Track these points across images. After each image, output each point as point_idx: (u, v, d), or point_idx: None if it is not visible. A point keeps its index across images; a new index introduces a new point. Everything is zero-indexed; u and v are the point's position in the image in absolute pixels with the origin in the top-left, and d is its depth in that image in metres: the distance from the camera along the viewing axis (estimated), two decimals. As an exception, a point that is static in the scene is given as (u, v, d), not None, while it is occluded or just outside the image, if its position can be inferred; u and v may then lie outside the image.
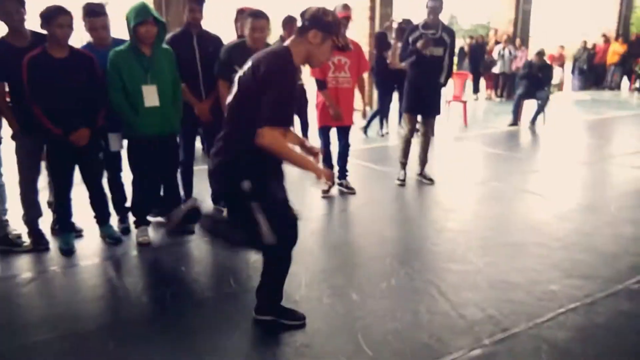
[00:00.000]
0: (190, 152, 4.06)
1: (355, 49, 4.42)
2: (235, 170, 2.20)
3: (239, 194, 2.18)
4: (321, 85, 4.38)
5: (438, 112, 4.95)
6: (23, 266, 3.21)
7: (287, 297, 2.78)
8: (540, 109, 8.36)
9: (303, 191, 4.59)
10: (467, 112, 8.80)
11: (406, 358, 2.28)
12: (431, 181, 5.01)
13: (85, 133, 3.18)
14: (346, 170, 4.73)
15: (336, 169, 4.69)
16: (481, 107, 11.46)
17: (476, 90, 12.65)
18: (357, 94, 4.65)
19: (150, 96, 3.35)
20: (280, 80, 2.11)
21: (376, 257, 3.33)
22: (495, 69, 12.14)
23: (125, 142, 3.55)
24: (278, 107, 2.10)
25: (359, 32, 10.24)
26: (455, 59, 12.65)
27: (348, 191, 4.64)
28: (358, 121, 6.77)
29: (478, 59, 12.17)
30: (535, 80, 8.37)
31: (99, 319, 2.66)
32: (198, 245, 3.57)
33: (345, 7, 4.85)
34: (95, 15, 3.40)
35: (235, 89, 2.23)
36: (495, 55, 12.09)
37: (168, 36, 3.66)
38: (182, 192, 3.94)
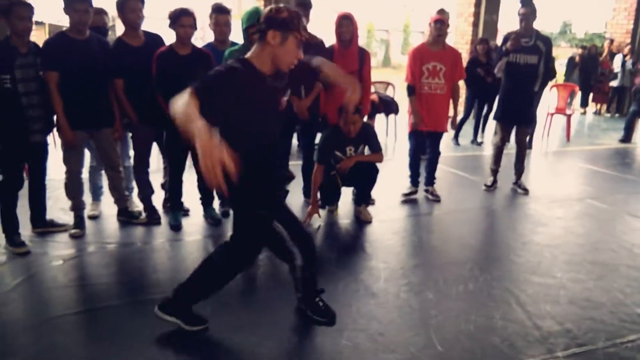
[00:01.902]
0: (288, 147, 4.35)
1: (452, 55, 4.46)
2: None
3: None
4: (410, 90, 4.48)
5: (531, 122, 4.86)
6: (138, 236, 3.69)
7: (366, 289, 2.98)
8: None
9: (388, 192, 4.74)
10: (572, 126, 8.39)
11: (475, 358, 2.36)
12: (526, 191, 4.93)
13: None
14: (434, 178, 4.76)
15: (423, 175, 4.76)
16: (588, 122, 10.82)
17: (584, 103, 11.93)
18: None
19: (257, 93, 3.68)
20: (214, 71, 2.06)
21: (456, 261, 3.40)
22: (614, 82, 11.30)
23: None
24: (204, 83, 2.01)
25: (462, 38, 10.14)
26: (564, 70, 12.04)
27: (433, 198, 4.68)
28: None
29: (589, 70, 11.45)
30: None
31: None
32: (288, 233, 3.85)
33: (441, 11, 4.91)
34: (220, 12, 3.79)
35: None
36: (616, 66, 11.25)
37: (277, 39, 3.98)
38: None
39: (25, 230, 3.50)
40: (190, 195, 4.04)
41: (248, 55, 2.14)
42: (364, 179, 4.08)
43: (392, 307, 2.79)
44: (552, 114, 8.13)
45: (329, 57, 4.10)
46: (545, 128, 7.92)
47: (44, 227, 3.61)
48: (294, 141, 4.46)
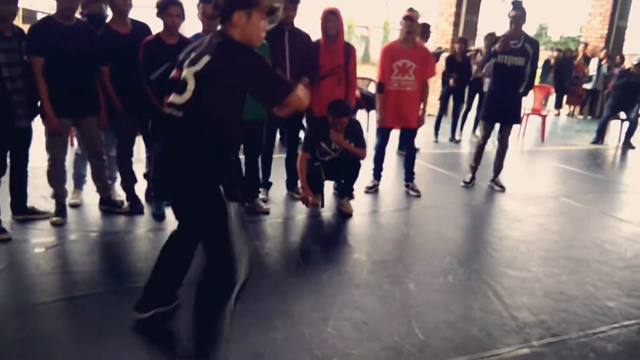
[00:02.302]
0: (272, 140, 4.38)
1: (423, 52, 4.55)
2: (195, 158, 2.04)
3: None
4: (379, 87, 4.55)
5: (516, 121, 4.99)
6: (121, 224, 3.68)
7: (351, 280, 3.05)
8: (633, 127, 8.06)
9: (364, 186, 4.81)
10: (546, 127, 8.63)
11: (455, 346, 2.44)
12: (503, 189, 5.07)
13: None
14: (413, 173, 4.86)
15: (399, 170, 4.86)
16: (562, 123, 11.12)
17: (558, 105, 12.25)
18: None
19: (243, 85, 3.69)
20: (263, 62, 2.02)
21: (436, 255, 3.49)
22: (587, 85, 11.62)
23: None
24: (279, 80, 2.06)
25: (442, 37, 10.29)
26: (540, 72, 12.33)
27: (414, 193, 4.77)
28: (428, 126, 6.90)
29: (564, 73, 11.77)
30: (630, 92, 8.05)
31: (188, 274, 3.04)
32: (272, 223, 3.89)
33: (410, 9, 5.00)
34: (208, 2, 3.77)
35: (193, 82, 1.99)
36: (591, 70, 11.56)
37: (264, 31, 4.00)
38: (260, 176, 4.27)
39: (6, 217, 3.45)
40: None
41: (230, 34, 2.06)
42: (346, 172, 4.15)
43: (375, 297, 2.87)
44: (527, 115, 8.34)
45: (314, 52, 4.17)
46: (521, 128, 8.12)
47: (25, 214, 3.56)
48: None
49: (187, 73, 2.01)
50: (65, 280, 2.90)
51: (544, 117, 8.54)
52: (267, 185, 4.41)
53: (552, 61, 12.16)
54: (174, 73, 2.12)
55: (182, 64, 2.07)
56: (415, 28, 4.50)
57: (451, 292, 2.99)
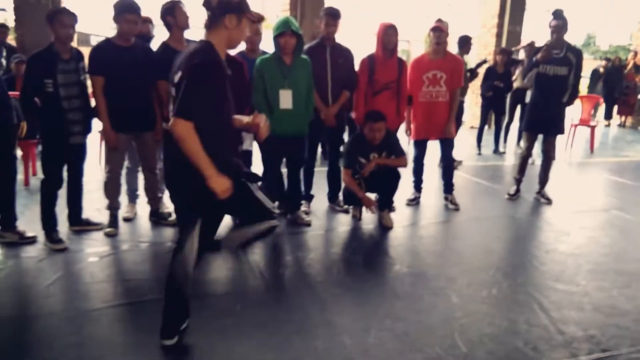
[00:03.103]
0: (314, 153, 4.45)
1: (452, 63, 4.53)
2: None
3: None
4: (409, 100, 4.54)
5: (559, 132, 4.87)
6: (169, 236, 3.81)
7: (392, 291, 3.05)
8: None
9: (405, 198, 4.80)
10: (596, 138, 8.36)
11: (500, 359, 2.40)
12: (549, 201, 4.95)
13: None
14: (452, 185, 4.80)
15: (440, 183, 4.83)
16: (613, 134, 10.72)
17: (609, 115, 11.83)
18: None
19: (286, 100, 3.79)
20: (198, 74, 2.05)
21: (479, 267, 3.44)
22: (641, 94, 11.17)
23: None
24: (190, 99, 2.04)
25: (485, 49, 10.17)
26: (588, 82, 11.97)
27: (453, 207, 4.71)
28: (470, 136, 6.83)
29: (614, 82, 11.38)
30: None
31: (229, 285, 3.14)
32: (314, 235, 3.95)
33: (439, 20, 5.00)
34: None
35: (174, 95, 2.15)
36: None
37: (306, 47, 4.11)
38: (302, 188, 4.35)
39: (63, 228, 3.65)
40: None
41: (208, 40, 2.16)
42: (386, 184, 4.16)
43: (417, 309, 2.86)
44: (575, 125, 8.10)
45: (366, 66, 4.24)
46: (569, 139, 7.89)
47: (80, 225, 3.76)
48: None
49: (172, 89, 2.17)
50: (117, 288, 3.04)
51: (592, 127, 8.28)
52: (309, 198, 4.48)
53: (601, 70, 11.79)
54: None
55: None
56: (444, 39, 4.49)
57: (495, 305, 2.95)
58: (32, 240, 3.52)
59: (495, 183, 5.81)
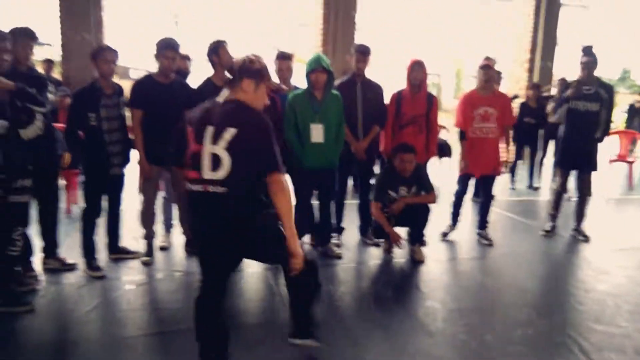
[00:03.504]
0: (344, 186, 4.48)
1: (502, 100, 4.54)
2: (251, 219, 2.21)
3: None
4: (461, 135, 4.56)
5: (593, 168, 4.79)
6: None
7: (422, 328, 3.01)
8: None
9: (437, 233, 4.76)
10: (634, 174, 8.14)
11: (537, 402, 2.33)
12: (586, 238, 4.83)
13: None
14: (487, 222, 4.74)
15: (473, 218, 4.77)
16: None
17: (647, 151, 11.51)
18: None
19: (317, 133, 3.87)
20: (268, 129, 2.15)
21: (514, 305, 3.37)
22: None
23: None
24: (276, 153, 2.15)
25: (516, 84, 10.14)
26: (625, 116, 11.72)
27: (486, 242, 4.64)
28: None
29: (651, 117, 11.10)
30: None
31: (260, 316, 3.17)
32: (344, 268, 3.95)
33: (487, 58, 5.03)
34: (283, 58, 4.05)
35: (228, 157, 2.12)
36: None
37: (337, 82, 4.20)
38: (333, 220, 4.37)
39: (102, 255, 3.76)
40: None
41: (236, 97, 2.24)
42: (416, 219, 4.15)
43: (450, 347, 2.81)
44: (613, 161, 7.93)
45: (394, 101, 4.31)
46: (606, 175, 7.72)
47: (118, 253, 3.87)
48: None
49: (217, 150, 2.12)
50: (152, 316, 3.10)
51: (630, 163, 8.08)
52: (340, 231, 4.49)
53: (637, 105, 11.54)
54: (193, 147, 2.19)
55: (201, 139, 2.16)
56: (492, 75, 4.52)
57: (531, 345, 2.87)
58: (72, 267, 3.64)
59: (529, 219, 5.71)
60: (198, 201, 2.21)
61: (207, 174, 2.15)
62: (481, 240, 4.69)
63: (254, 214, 2.20)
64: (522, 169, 7.64)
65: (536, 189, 7.37)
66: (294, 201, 3.99)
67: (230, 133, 2.10)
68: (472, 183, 4.83)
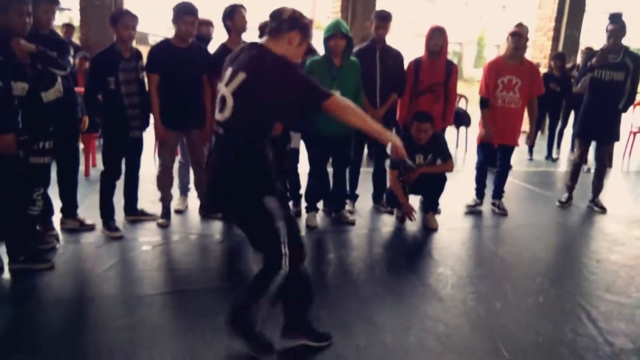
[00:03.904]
0: (360, 153, 4.48)
1: (530, 69, 4.42)
2: (240, 173, 2.12)
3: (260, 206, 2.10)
4: (483, 103, 4.47)
5: (614, 139, 4.71)
6: (217, 229, 3.95)
7: (433, 294, 3.05)
8: None
9: (455, 202, 4.75)
10: (656, 146, 7.96)
11: (543, 367, 2.37)
12: (603, 210, 4.78)
13: (279, 126, 3.77)
14: (502, 192, 4.70)
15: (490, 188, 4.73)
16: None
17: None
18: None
19: (334, 100, 3.84)
20: (294, 72, 2.05)
21: (526, 275, 3.38)
22: None
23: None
24: (312, 86, 2.05)
25: (540, 53, 9.88)
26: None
27: (500, 212, 4.62)
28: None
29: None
30: None
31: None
32: (357, 234, 3.98)
33: (519, 25, 4.88)
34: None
35: (232, 101, 2.07)
36: None
37: (355, 49, 4.14)
38: (348, 187, 4.39)
39: (119, 217, 3.85)
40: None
41: (265, 43, 2.14)
42: (431, 187, 4.14)
43: (459, 312, 2.84)
44: (634, 133, 7.75)
45: (412, 68, 4.24)
46: (627, 147, 7.57)
47: (136, 215, 3.95)
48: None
49: (226, 91, 2.09)
50: (168, 276, 3.18)
51: (654, 135, 7.89)
52: (354, 198, 4.51)
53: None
54: (217, 87, 2.21)
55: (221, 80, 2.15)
56: (523, 44, 4.38)
57: (541, 313, 2.89)
58: (91, 228, 3.74)
59: (546, 190, 5.66)
60: (214, 143, 2.26)
61: (217, 115, 2.16)
62: (495, 209, 4.67)
63: (246, 169, 2.10)
64: (541, 140, 7.52)
65: (555, 160, 7.28)
66: (306, 167, 4.06)
67: (241, 77, 2.04)
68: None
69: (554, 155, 7.33)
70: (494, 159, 4.69)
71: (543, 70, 7.35)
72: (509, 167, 4.74)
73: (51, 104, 3.24)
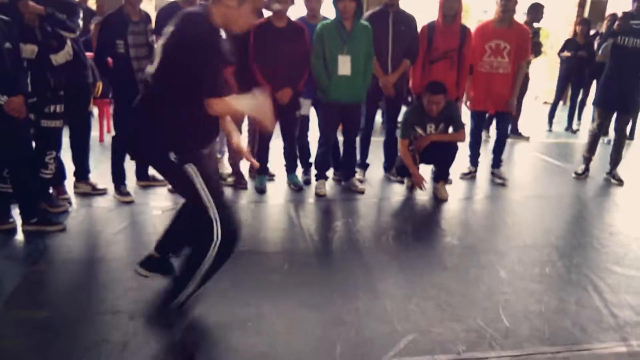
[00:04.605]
0: (371, 121, 4.43)
1: (519, 33, 4.25)
2: (160, 139, 2.07)
3: (167, 162, 2.07)
4: (469, 69, 4.32)
5: (635, 110, 4.56)
6: (226, 196, 3.95)
7: (438, 263, 3.04)
8: None
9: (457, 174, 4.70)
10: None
11: (543, 337, 2.35)
12: (620, 182, 4.68)
13: (288, 93, 3.75)
14: (501, 160, 4.63)
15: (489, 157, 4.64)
16: None
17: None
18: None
19: (344, 65, 3.78)
20: (206, 48, 1.95)
21: (534, 245, 3.34)
22: None
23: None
24: (213, 77, 1.99)
25: (566, 19, 9.53)
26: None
27: (500, 181, 4.55)
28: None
29: None
30: None
31: (279, 245, 3.24)
32: (366, 203, 3.97)
33: None
34: None
35: (159, 57, 2.03)
36: None
37: (367, 13, 4.05)
38: (358, 156, 4.36)
39: (131, 182, 3.90)
40: (276, 161, 4.28)
41: (208, 3, 2.07)
42: (442, 156, 4.09)
43: (462, 281, 2.83)
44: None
45: (425, 34, 4.13)
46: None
47: (146, 181, 4.00)
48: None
49: (158, 44, 2.07)
50: (175, 240, 3.23)
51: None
52: (364, 166, 4.49)
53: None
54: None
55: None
56: (511, 7, 4.20)
57: (546, 283, 2.86)
58: (103, 192, 3.80)
59: (564, 161, 5.54)
60: (141, 93, 2.24)
61: (148, 66, 2.11)
62: (495, 179, 4.59)
63: (158, 125, 2.05)
64: (562, 111, 7.33)
65: (575, 131, 7.10)
66: (318, 134, 4.04)
67: (168, 30, 2.00)
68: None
69: (575, 127, 7.15)
70: (486, 125, 4.56)
71: (565, 37, 7.08)
72: (507, 134, 4.65)
73: (61, 67, 3.26)
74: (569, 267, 3.05)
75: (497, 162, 4.64)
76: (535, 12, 5.79)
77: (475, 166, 4.69)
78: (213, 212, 2.10)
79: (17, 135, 2.96)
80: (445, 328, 2.38)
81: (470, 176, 4.66)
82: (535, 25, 5.94)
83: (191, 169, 2.07)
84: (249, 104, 2.11)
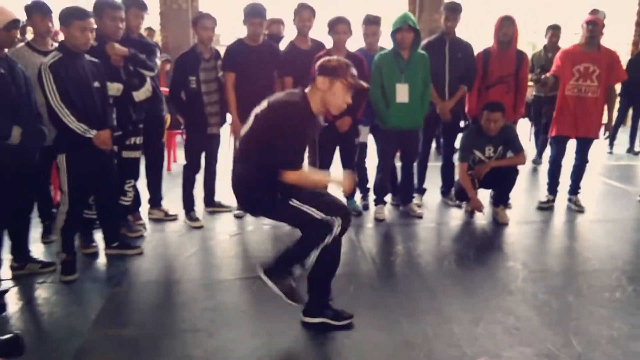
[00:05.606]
0: (428, 147, 4.50)
1: (608, 56, 4.21)
2: (256, 188, 2.41)
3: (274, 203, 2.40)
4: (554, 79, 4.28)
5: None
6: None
7: (503, 287, 3.05)
8: None
9: (527, 196, 4.64)
10: None
11: (618, 362, 2.32)
12: (686, 207, 4.50)
13: (348, 121, 3.88)
14: (579, 187, 4.50)
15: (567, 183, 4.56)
16: None
17: None
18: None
19: (402, 93, 3.89)
20: (293, 128, 2.28)
21: (602, 270, 3.29)
22: None
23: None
24: (291, 151, 2.30)
25: (623, 39, 9.31)
26: None
27: (577, 209, 4.43)
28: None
29: None
30: None
31: (342, 267, 3.29)
32: (425, 227, 4.02)
33: (594, 11, 4.66)
34: (369, 23, 4.06)
35: (251, 122, 2.42)
36: None
37: (424, 42, 4.17)
38: (415, 182, 4.43)
39: (199, 208, 4.13)
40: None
41: (307, 91, 2.40)
42: (502, 180, 4.09)
43: (530, 305, 2.83)
44: None
45: (480, 60, 4.20)
46: None
47: (214, 206, 4.21)
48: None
49: (253, 112, 2.44)
50: (244, 262, 3.40)
51: None
52: (422, 191, 4.54)
53: None
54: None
55: None
56: (599, 31, 4.17)
57: (617, 308, 2.81)
58: (174, 218, 4.04)
59: (626, 184, 5.39)
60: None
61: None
62: (572, 206, 4.50)
63: (254, 180, 2.40)
64: (623, 132, 7.13)
65: (637, 153, 6.88)
66: (377, 161, 4.14)
67: (264, 104, 2.40)
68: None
69: (636, 149, 6.93)
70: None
71: (626, 57, 6.93)
72: (587, 161, 4.55)
73: (141, 103, 3.53)
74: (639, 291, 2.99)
75: (574, 189, 4.50)
76: None
77: (554, 195, 4.52)
78: (327, 218, 2.37)
79: (103, 165, 3.21)
80: (516, 352, 2.39)
81: (548, 205, 4.49)
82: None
83: (294, 202, 2.37)
84: (323, 180, 2.50)
